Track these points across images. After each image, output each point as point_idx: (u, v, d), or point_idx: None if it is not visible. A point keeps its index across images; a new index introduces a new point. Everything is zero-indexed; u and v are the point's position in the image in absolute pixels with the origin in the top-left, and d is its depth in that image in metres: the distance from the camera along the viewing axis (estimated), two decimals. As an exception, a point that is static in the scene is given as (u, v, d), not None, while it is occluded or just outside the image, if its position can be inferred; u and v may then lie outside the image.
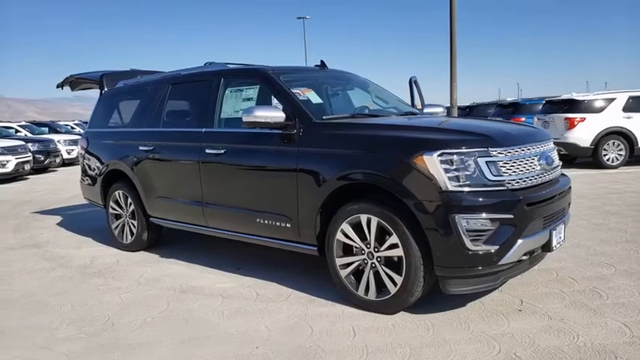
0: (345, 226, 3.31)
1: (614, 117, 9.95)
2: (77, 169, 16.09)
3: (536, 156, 3.25)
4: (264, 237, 3.86)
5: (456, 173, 2.91)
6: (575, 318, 3.05)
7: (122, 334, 3.14)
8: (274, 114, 3.55)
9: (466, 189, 2.90)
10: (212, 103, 4.20)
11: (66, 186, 11.42)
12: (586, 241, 4.68)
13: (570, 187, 3.58)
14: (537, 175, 3.20)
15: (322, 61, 4.60)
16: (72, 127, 22.77)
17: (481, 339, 2.82)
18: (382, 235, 3.19)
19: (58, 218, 7.29)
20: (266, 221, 3.77)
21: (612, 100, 10.05)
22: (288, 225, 3.64)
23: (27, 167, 13.42)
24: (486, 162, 2.96)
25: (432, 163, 2.92)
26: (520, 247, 2.97)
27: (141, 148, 4.76)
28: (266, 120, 3.55)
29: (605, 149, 9.97)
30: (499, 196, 2.94)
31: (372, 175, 3.14)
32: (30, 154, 13.86)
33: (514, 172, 3.04)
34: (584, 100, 10.21)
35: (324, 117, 3.68)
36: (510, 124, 4.00)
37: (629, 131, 9.90)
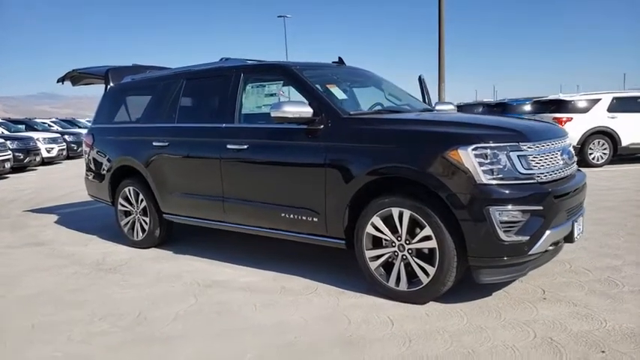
0: (376, 220, 3.38)
1: (599, 117, 10.30)
2: (57, 167, 15.89)
3: (559, 151, 3.38)
4: (289, 231, 3.90)
5: (490, 167, 3.01)
6: (598, 305, 3.18)
7: (157, 327, 3.15)
8: (302, 109, 3.60)
9: (499, 182, 3.01)
10: (232, 98, 4.21)
11: (51, 184, 11.23)
12: (591, 234, 4.85)
13: (586, 183, 3.72)
14: (561, 169, 3.33)
15: (340, 58, 4.66)
16: (49, 125, 22.28)
17: (515, 325, 2.93)
18: (413, 227, 3.27)
19: (55, 216, 7.16)
20: (291, 215, 3.81)
21: (597, 100, 10.41)
22: (315, 219, 3.69)
23: (7, 166, 13.12)
24: (518, 156, 3.07)
25: (467, 156, 3.02)
26: (548, 237, 3.10)
27: (154, 143, 4.74)
28: (294, 115, 3.60)
29: (590, 148, 10.32)
30: (530, 188, 3.06)
31: (406, 169, 3.22)
32: (10, 152, 13.55)
33: (542, 165, 3.16)
34: (571, 101, 10.55)
35: (351, 112, 3.74)
36: (531, 120, 4.12)
37: (614, 131, 10.26)
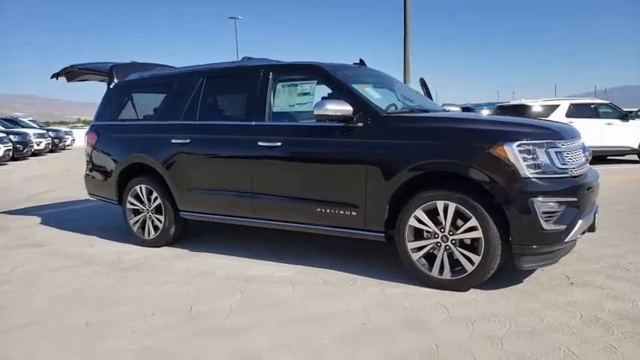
0: (419, 212, 3.57)
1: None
2: (4, 169, 15.10)
3: (580, 148, 3.72)
4: (325, 225, 4.01)
5: (533, 162, 3.29)
6: (621, 288, 3.52)
7: (217, 320, 3.18)
8: (343, 107, 3.74)
9: (541, 176, 3.29)
10: (262, 96, 4.28)
11: (9, 186, 10.68)
12: (583, 227, 5.28)
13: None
14: (583, 165, 3.66)
15: (361, 60, 4.83)
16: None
17: (559, 307, 3.21)
18: (454, 218, 3.49)
19: (35, 218, 6.86)
20: (328, 210, 3.93)
21: (556, 106, 11.19)
22: (353, 213, 3.83)
23: (-45, 167, 12.32)
24: (555, 152, 3.36)
25: (512, 152, 3.27)
26: (580, 226, 3.41)
27: (173, 141, 4.71)
28: (335, 113, 3.73)
29: (550, 151, 11.04)
30: (566, 182, 3.36)
31: (453, 164, 3.43)
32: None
33: (573, 161, 3.48)
34: (532, 106, 11.28)
35: (388, 111, 3.91)
36: (551, 121, 4.44)
37: (571, 135, 11.02)
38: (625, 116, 11.53)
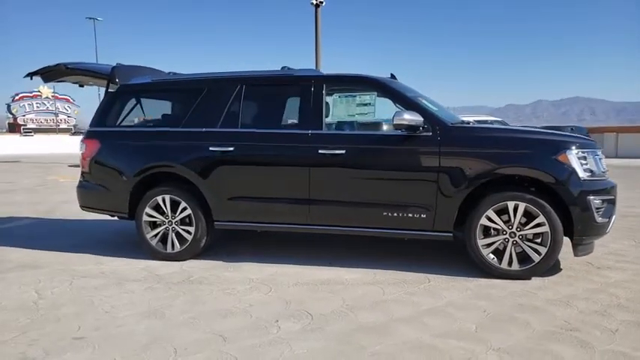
0: (491, 212, 4.02)
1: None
2: None
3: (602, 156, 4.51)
4: (390, 229, 4.26)
5: (587, 166, 3.96)
6: (636, 269, 4.34)
7: (351, 320, 3.24)
8: (417, 117, 4.06)
9: (593, 178, 3.99)
10: (317, 106, 4.38)
11: None
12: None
13: None
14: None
15: (392, 74, 5.14)
16: None
17: (615, 285, 3.88)
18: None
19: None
20: (395, 214, 4.19)
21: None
22: (423, 216, 4.15)
23: None
24: (598, 158, 4.09)
25: (573, 158, 3.91)
26: (614, 220, 4.16)
27: (212, 148, 4.55)
28: (410, 123, 4.04)
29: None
30: (607, 183, 4.10)
31: (527, 170, 3.95)
32: None
33: (604, 166, 4.23)
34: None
35: (451, 122, 4.32)
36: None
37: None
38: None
